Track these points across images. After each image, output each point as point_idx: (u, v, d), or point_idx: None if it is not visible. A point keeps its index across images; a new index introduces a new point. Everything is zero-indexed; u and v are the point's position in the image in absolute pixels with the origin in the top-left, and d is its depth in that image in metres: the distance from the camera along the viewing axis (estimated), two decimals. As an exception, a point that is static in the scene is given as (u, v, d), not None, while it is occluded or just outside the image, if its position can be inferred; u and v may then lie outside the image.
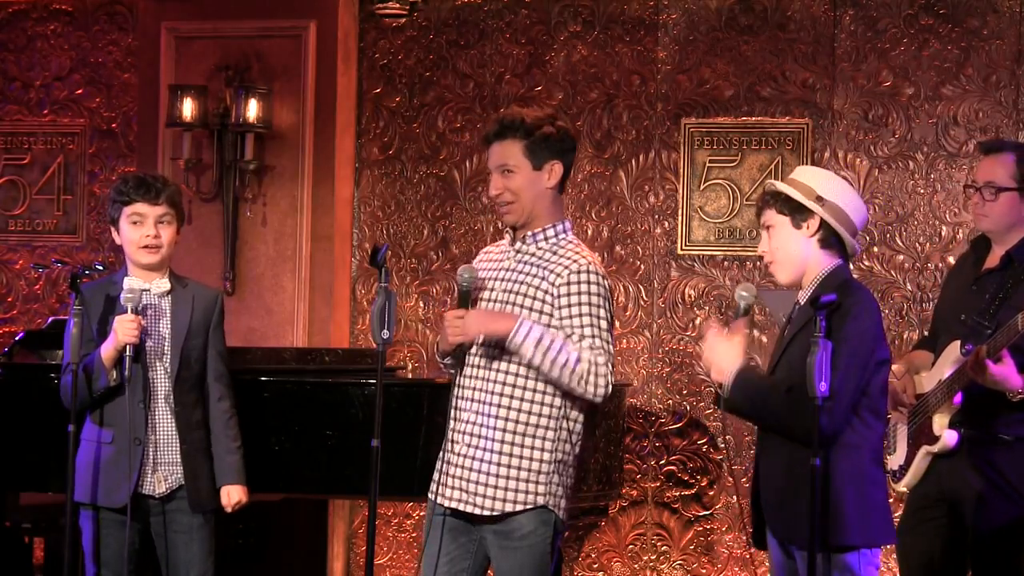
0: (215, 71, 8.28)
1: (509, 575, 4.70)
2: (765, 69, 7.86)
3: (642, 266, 8.03)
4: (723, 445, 7.87)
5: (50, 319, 7.72)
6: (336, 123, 8.24)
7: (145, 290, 5.27)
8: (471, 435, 4.71)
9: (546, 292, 4.69)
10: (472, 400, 4.73)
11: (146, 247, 5.25)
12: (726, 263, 7.92)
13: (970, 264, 5.53)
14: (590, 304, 4.65)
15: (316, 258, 8.22)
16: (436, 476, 4.78)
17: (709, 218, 7.94)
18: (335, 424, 6.27)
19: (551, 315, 4.67)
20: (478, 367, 4.73)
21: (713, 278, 7.92)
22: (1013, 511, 5.24)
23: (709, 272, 7.93)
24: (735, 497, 7.85)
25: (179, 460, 5.27)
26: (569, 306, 4.66)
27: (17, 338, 7.26)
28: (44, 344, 7.18)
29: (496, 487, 4.68)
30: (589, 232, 8.06)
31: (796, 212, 4.50)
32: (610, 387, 4.64)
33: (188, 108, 8.12)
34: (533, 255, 4.74)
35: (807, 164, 7.74)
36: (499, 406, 4.69)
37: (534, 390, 4.68)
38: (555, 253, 4.73)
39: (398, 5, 8.25)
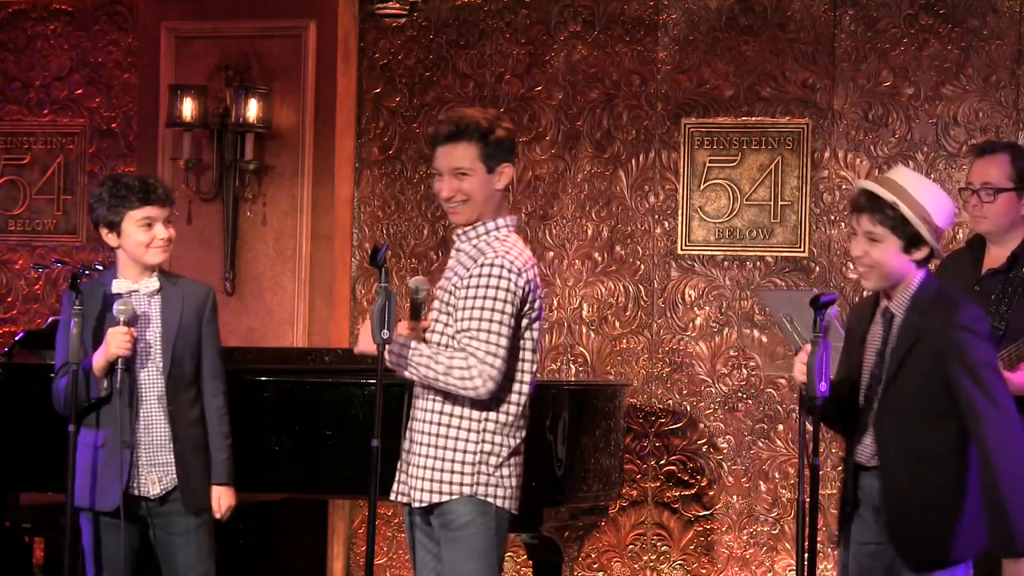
0: (215, 71, 8.28)
1: (451, 565, 4.71)
2: (765, 69, 7.86)
3: (642, 266, 8.02)
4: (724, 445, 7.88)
5: (50, 319, 7.71)
6: (336, 123, 8.24)
7: (134, 290, 5.26)
8: (412, 431, 4.78)
9: (455, 288, 4.73)
10: (417, 397, 4.79)
11: (159, 247, 5.24)
12: (726, 263, 7.92)
13: (968, 265, 5.52)
14: (485, 298, 4.66)
15: (316, 258, 8.22)
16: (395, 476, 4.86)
17: (709, 218, 7.94)
18: (335, 424, 6.26)
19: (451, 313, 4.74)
20: None
21: (713, 278, 7.92)
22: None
23: (709, 272, 7.93)
24: (735, 497, 7.85)
25: (172, 460, 5.26)
26: (466, 299, 4.68)
27: (17, 338, 7.27)
28: (44, 344, 7.17)
29: (424, 479, 4.72)
30: (589, 232, 8.06)
31: (910, 237, 4.45)
32: (491, 381, 4.62)
33: (188, 108, 8.12)
34: (466, 253, 4.79)
35: (805, 163, 7.75)
36: (431, 399, 4.74)
37: None
38: (481, 250, 4.75)
39: (398, 5, 8.25)
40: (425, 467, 4.72)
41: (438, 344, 4.73)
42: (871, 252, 4.48)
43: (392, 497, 4.81)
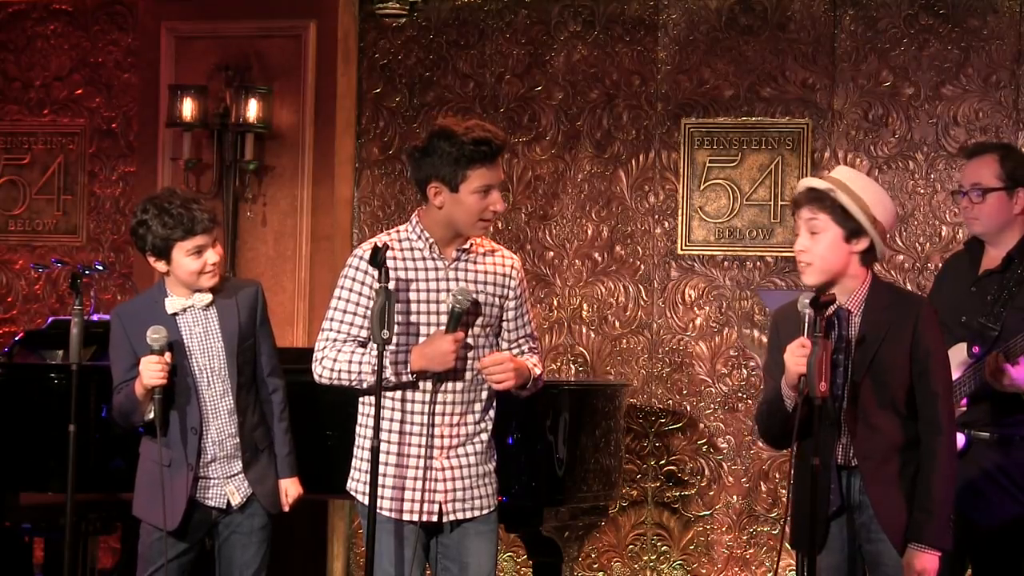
0: (215, 71, 8.28)
1: (485, 555, 4.81)
2: (765, 69, 7.86)
3: (642, 266, 8.02)
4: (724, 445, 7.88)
5: (50, 319, 7.72)
6: (336, 123, 8.24)
7: (189, 306, 5.17)
8: (450, 448, 4.76)
9: (500, 299, 4.93)
10: (449, 414, 4.77)
11: (210, 272, 5.16)
12: (726, 263, 7.92)
13: (966, 266, 5.52)
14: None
15: (316, 258, 8.22)
16: (401, 494, 4.75)
17: (709, 218, 7.94)
18: (335, 424, 6.26)
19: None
20: (455, 380, 4.77)
21: (713, 278, 7.92)
22: (1017, 511, 5.24)
23: (709, 272, 7.93)
24: (735, 497, 7.85)
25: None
26: (524, 303, 4.93)
27: (17, 338, 7.27)
28: (44, 344, 7.18)
29: (479, 486, 4.82)
30: (589, 232, 8.06)
31: (851, 225, 4.53)
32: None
33: (188, 108, 8.12)
34: (472, 260, 4.88)
35: (805, 163, 7.75)
36: (476, 412, 4.80)
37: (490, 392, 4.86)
38: (492, 250, 4.97)
39: (398, 5, 8.25)
40: (479, 475, 4.80)
41: (475, 358, 4.79)
42: (812, 246, 4.56)
43: (412, 518, 4.74)
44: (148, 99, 8.48)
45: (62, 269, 8.40)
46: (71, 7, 8.79)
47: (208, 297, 5.18)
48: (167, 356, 5.03)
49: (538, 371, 4.85)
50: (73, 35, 8.80)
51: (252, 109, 8.12)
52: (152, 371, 5.00)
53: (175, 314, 5.15)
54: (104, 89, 8.76)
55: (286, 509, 5.31)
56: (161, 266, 5.16)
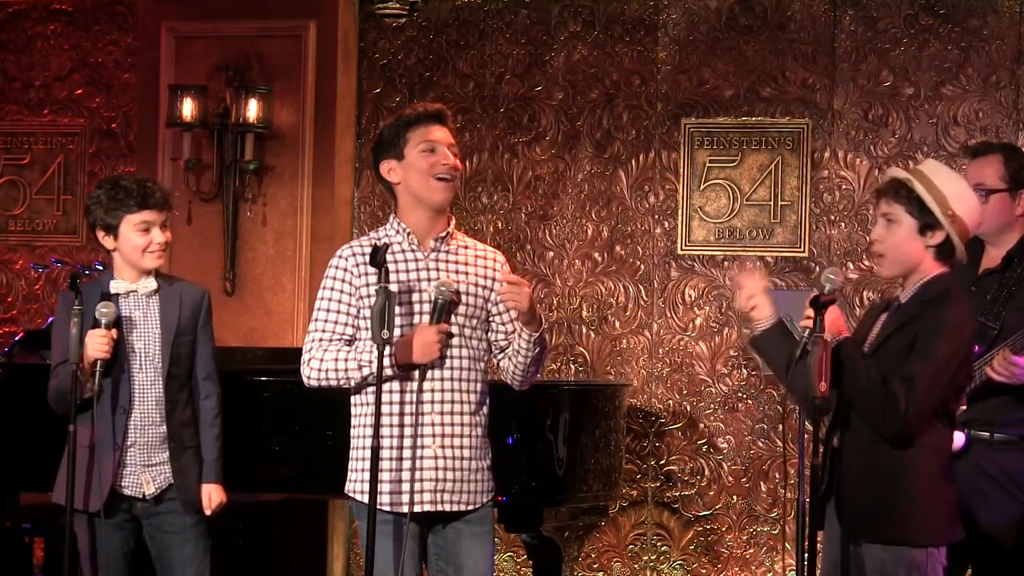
0: (215, 71, 8.28)
1: (482, 559, 4.79)
2: (765, 69, 7.87)
3: (642, 266, 8.02)
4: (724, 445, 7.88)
5: (50, 319, 7.71)
6: (336, 123, 8.24)
7: (132, 291, 5.26)
8: (443, 436, 4.75)
9: (482, 290, 4.90)
10: (441, 402, 4.75)
11: (155, 252, 5.23)
12: (726, 263, 7.92)
13: (966, 266, 5.52)
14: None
15: (316, 258, 8.21)
16: (391, 487, 4.73)
17: (709, 218, 7.94)
18: (335, 424, 6.25)
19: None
20: (442, 369, 4.76)
21: (713, 278, 7.92)
22: (1018, 511, 5.25)
23: (709, 272, 7.93)
24: (735, 497, 7.85)
25: (168, 460, 5.25)
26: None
27: (17, 338, 7.27)
28: (44, 344, 7.15)
29: (473, 480, 4.78)
30: (589, 232, 8.06)
31: (926, 218, 4.48)
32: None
33: (188, 108, 8.12)
34: (452, 251, 4.86)
35: (805, 163, 7.75)
36: (470, 403, 4.78)
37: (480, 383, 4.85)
38: (472, 243, 4.93)
39: (398, 5, 8.25)
40: (473, 468, 4.77)
41: (460, 346, 4.78)
42: (887, 236, 4.53)
43: (403, 510, 4.70)
44: (148, 99, 8.48)
45: (62, 269, 8.39)
46: (71, 7, 8.79)
47: (153, 284, 5.27)
48: (112, 332, 5.12)
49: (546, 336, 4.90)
50: (73, 35, 8.79)
51: (252, 109, 8.12)
52: (98, 343, 5.09)
53: (118, 295, 5.24)
54: (104, 89, 8.75)
55: (208, 513, 5.32)
56: (109, 242, 5.26)
